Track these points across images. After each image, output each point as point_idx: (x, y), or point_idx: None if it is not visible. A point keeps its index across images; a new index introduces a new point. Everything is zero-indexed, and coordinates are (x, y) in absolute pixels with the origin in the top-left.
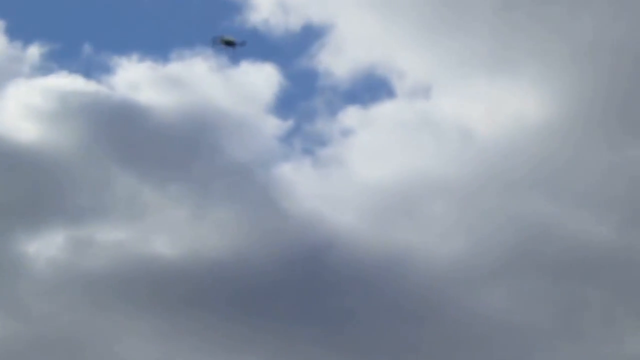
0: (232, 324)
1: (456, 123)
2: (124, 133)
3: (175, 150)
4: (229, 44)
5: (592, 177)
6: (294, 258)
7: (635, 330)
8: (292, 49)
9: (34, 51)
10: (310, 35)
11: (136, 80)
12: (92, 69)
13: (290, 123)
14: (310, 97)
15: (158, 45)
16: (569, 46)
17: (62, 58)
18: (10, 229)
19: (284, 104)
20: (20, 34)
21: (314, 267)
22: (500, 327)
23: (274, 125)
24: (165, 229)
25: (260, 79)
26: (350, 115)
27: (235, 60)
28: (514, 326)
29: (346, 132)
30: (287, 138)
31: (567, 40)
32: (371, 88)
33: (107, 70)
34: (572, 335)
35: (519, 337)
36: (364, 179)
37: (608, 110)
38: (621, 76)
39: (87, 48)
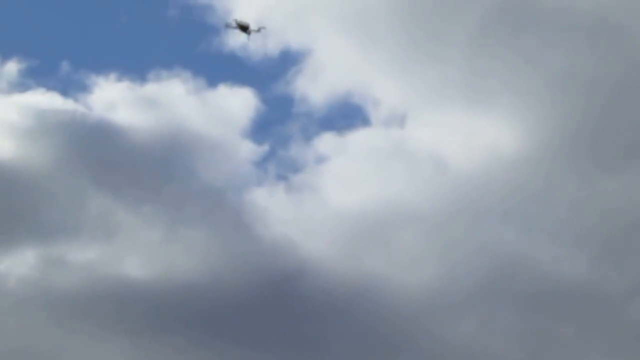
0: (200, 348)
1: (430, 152)
2: (99, 152)
3: (149, 171)
4: (244, 29)
5: (563, 210)
6: (265, 283)
7: None
8: (270, 74)
9: (12, 67)
10: (288, 61)
11: (113, 99)
12: (69, 87)
13: (265, 148)
14: (285, 123)
15: (136, 66)
16: (544, 78)
17: (39, 75)
18: None
19: (260, 129)
20: None
21: (285, 292)
22: (471, 357)
23: (249, 150)
24: (137, 250)
25: (237, 102)
26: (325, 142)
27: (213, 82)
28: (484, 356)
29: (320, 159)
30: (261, 163)
31: (542, 72)
32: (346, 115)
33: (84, 88)
34: None
35: None
36: (337, 206)
37: (581, 144)
38: (595, 110)
39: (65, 66)
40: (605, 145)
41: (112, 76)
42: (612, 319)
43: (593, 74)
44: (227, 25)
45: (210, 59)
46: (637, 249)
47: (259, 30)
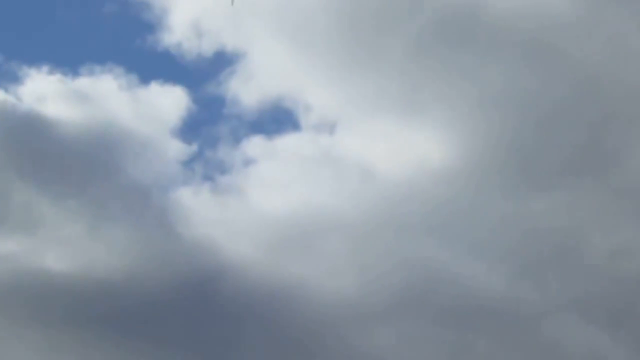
0: (113, 346)
1: (358, 161)
2: (26, 144)
3: (76, 165)
4: None
5: (488, 226)
6: (185, 283)
7: None
8: (203, 74)
9: None
10: (222, 62)
11: (44, 92)
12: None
13: (194, 148)
14: (215, 124)
15: (69, 59)
16: (477, 94)
17: None
18: None
19: (190, 129)
20: None
21: (205, 294)
22: None
23: (177, 149)
24: (59, 244)
25: (169, 101)
26: (254, 145)
27: (146, 79)
28: None
29: (248, 162)
30: (189, 163)
31: (477, 88)
32: (277, 119)
33: (15, 79)
34: None
35: None
36: (261, 210)
37: (510, 161)
38: (526, 128)
39: None
40: (534, 165)
41: (44, 68)
42: (526, 336)
43: (528, 92)
44: None
45: (144, 56)
46: (556, 269)
47: None
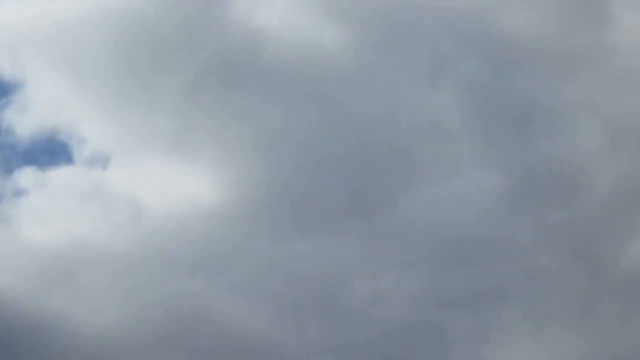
0: None
1: (129, 197)
2: None
3: None
4: None
5: (253, 267)
6: None
7: None
8: None
9: None
10: None
11: None
12: None
13: None
14: None
15: None
16: (251, 136)
17: None
18: None
19: None
20: None
21: None
22: None
23: None
24: None
25: None
26: (26, 176)
27: None
28: None
29: (19, 192)
30: None
31: (250, 129)
32: (50, 151)
33: None
34: None
35: None
36: (29, 242)
37: (281, 204)
38: (298, 172)
39: None
40: (305, 209)
41: None
42: None
43: (303, 137)
44: None
45: None
46: (318, 313)
47: None
